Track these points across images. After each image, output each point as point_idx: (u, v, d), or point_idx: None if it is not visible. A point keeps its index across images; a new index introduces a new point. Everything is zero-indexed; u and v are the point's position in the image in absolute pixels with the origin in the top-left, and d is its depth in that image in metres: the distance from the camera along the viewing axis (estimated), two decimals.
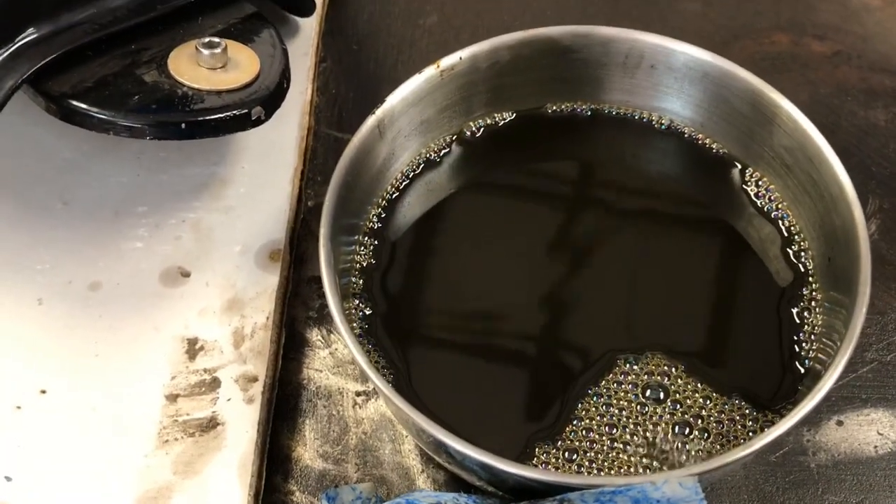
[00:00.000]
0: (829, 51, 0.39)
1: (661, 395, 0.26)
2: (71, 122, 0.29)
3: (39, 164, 0.35)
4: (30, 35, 0.29)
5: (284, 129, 0.36)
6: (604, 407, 0.26)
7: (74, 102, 0.29)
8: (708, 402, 0.26)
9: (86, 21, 0.29)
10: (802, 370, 0.27)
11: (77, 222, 0.34)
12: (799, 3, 0.41)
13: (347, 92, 0.39)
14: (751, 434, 0.25)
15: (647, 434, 0.25)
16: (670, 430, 0.26)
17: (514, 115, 0.32)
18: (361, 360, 0.25)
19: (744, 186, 0.30)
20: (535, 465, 0.25)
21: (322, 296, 0.34)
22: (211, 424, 0.29)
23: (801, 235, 0.29)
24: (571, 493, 0.22)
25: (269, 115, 0.30)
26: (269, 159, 0.35)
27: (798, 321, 0.27)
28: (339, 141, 0.38)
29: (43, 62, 0.28)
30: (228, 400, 0.30)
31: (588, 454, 0.25)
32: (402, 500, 0.24)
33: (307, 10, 0.37)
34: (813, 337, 0.27)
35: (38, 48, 0.29)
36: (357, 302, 0.28)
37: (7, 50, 0.28)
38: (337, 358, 0.32)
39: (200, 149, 0.36)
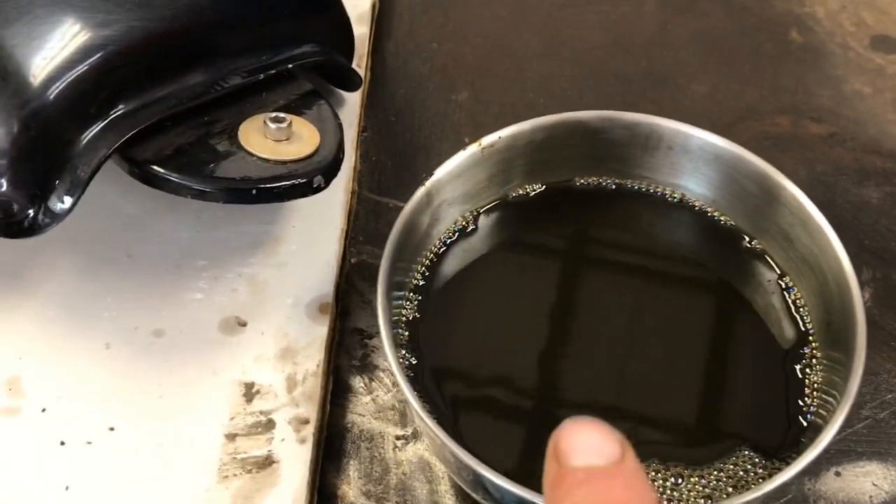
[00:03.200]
0: (825, 133, 0.43)
1: (681, 459, 0.29)
2: (152, 186, 0.32)
3: (105, 220, 0.38)
4: (120, 110, 0.32)
5: (332, 193, 0.39)
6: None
7: (156, 168, 0.32)
8: (724, 455, 0.29)
9: (167, 97, 0.33)
10: (805, 423, 0.30)
11: (141, 274, 0.37)
12: (798, 89, 0.45)
13: (386, 160, 0.42)
14: (760, 481, 0.28)
15: (674, 490, 0.28)
16: (690, 481, 0.29)
17: (545, 186, 0.35)
18: (414, 403, 0.28)
19: (749, 257, 0.34)
20: None
21: (364, 346, 0.37)
22: (267, 462, 0.32)
23: (802, 301, 0.32)
24: None
25: (327, 183, 0.33)
26: (318, 220, 0.38)
27: (801, 377, 0.30)
28: (379, 204, 0.41)
29: (131, 133, 0.32)
30: (283, 440, 0.32)
31: None
32: None
33: (354, 86, 0.41)
34: (815, 392, 0.30)
35: (127, 121, 0.32)
36: (404, 352, 0.32)
37: (101, 122, 0.32)
38: (378, 404, 0.35)
39: (255, 209, 0.39)
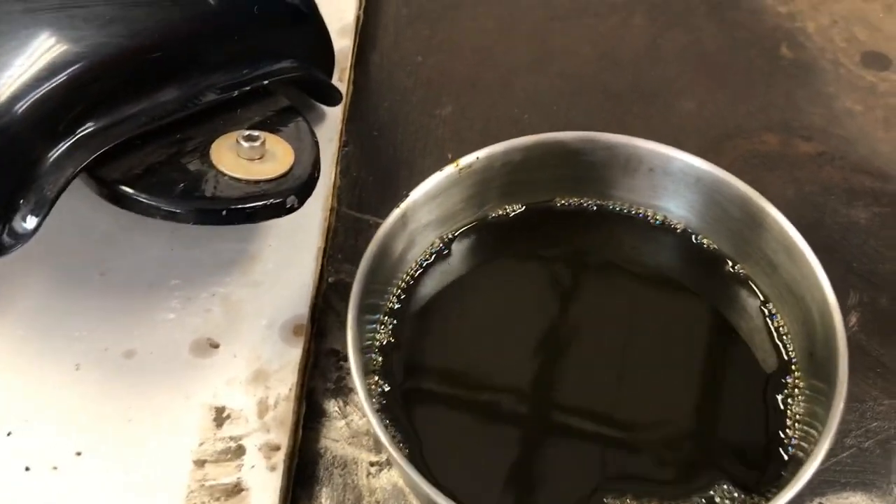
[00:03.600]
0: (814, 151, 0.42)
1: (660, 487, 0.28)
2: (120, 206, 0.32)
3: (77, 236, 0.37)
4: (88, 128, 0.31)
5: (309, 210, 0.38)
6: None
7: (124, 188, 0.31)
8: (703, 489, 0.28)
9: (138, 115, 0.32)
10: (786, 456, 0.29)
11: (113, 293, 0.36)
12: (788, 106, 0.44)
13: (367, 175, 0.42)
14: None
15: None
16: None
17: (524, 207, 0.35)
18: (385, 440, 0.27)
19: (732, 282, 0.33)
20: None
21: (339, 368, 0.36)
22: (236, 490, 0.31)
23: (785, 329, 0.31)
24: None
25: (301, 203, 0.33)
26: (294, 238, 0.38)
27: (782, 407, 0.30)
28: (359, 221, 0.40)
29: (99, 152, 0.31)
30: (252, 467, 0.32)
31: None
32: None
33: (334, 101, 0.40)
34: (796, 424, 0.29)
35: (95, 139, 0.31)
36: (377, 378, 0.31)
37: (69, 141, 0.31)
38: (352, 428, 0.34)
39: (231, 226, 0.38)
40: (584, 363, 0.32)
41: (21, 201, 0.31)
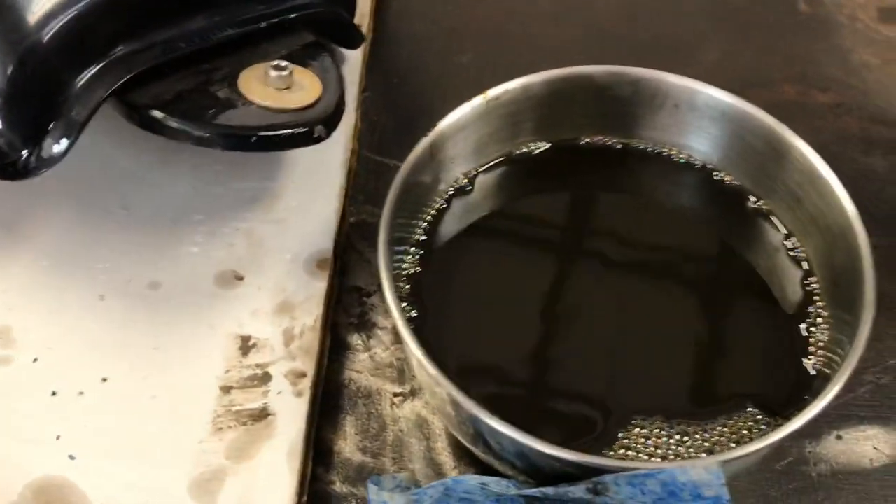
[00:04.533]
0: (832, 102, 0.43)
1: (687, 414, 0.29)
2: (150, 131, 0.32)
3: (100, 172, 0.38)
4: (119, 51, 0.31)
5: (332, 151, 0.38)
6: (643, 429, 0.28)
7: (155, 113, 0.31)
8: (728, 411, 0.29)
9: (166, 41, 0.32)
10: (809, 381, 0.29)
11: (136, 226, 0.36)
12: (806, 59, 0.44)
13: (387, 120, 0.42)
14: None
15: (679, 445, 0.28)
16: (694, 437, 0.28)
17: (550, 145, 0.35)
18: (417, 351, 0.27)
19: (755, 216, 0.33)
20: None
21: (362, 304, 0.36)
22: (262, 414, 0.31)
23: (808, 261, 0.32)
24: (606, 475, 0.24)
25: (328, 133, 0.33)
26: (316, 177, 0.38)
27: (805, 335, 0.30)
28: (380, 164, 0.40)
29: (128, 76, 0.31)
30: (279, 393, 0.32)
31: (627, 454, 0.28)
32: (448, 480, 0.26)
33: (355, 43, 0.40)
34: (819, 351, 0.30)
35: (124, 64, 0.31)
36: (405, 305, 0.31)
37: (98, 65, 0.31)
38: (376, 361, 0.35)
39: (252, 165, 0.38)
40: (608, 296, 0.32)
41: (51, 123, 0.31)
